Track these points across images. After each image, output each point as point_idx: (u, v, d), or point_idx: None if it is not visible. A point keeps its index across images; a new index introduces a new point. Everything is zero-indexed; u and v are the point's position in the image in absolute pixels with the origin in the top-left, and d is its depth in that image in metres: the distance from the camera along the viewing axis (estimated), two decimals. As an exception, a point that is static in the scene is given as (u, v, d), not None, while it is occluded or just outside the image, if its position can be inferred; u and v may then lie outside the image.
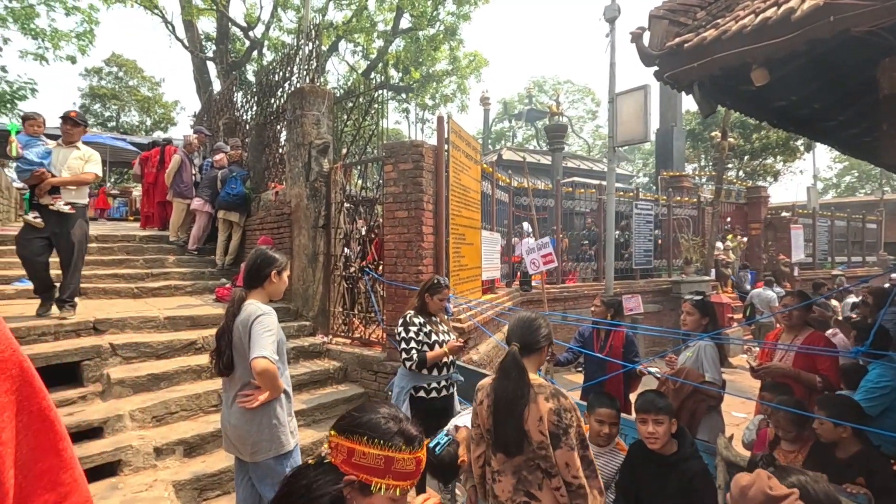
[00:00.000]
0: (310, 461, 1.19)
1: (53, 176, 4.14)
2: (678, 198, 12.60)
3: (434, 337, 3.31)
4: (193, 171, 7.79)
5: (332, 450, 1.15)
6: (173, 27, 16.26)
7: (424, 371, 3.27)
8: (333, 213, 5.62)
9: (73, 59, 14.78)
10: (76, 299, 4.42)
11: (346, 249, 5.67)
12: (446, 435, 2.52)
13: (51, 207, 4.10)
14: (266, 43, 17.67)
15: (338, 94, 6.65)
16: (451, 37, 17.35)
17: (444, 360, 3.36)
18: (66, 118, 4.31)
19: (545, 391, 1.86)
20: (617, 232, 10.22)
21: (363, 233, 5.81)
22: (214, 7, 15.48)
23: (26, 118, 4.41)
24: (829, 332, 4.81)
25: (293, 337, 5.29)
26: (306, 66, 6.31)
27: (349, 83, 18.91)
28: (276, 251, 2.55)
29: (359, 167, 6.07)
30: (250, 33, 17.42)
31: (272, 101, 7.37)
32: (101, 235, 6.94)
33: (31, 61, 14.28)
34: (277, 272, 2.45)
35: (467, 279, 5.40)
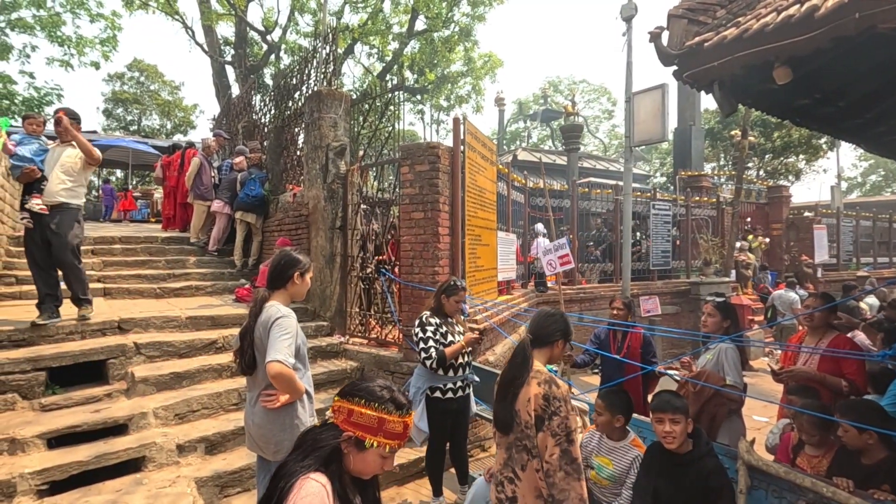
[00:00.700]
0: (316, 424, 1.43)
1: (43, 174, 3.97)
2: (697, 198, 12.40)
3: (450, 338, 3.33)
4: (212, 174, 7.93)
5: (335, 412, 1.37)
6: (193, 32, 16.60)
7: (441, 372, 3.29)
8: (350, 215, 5.67)
9: (96, 65, 15.16)
10: (89, 296, 4.32)
11: (363, 251, 5.72)
12: None
13: (26, 206, 3.93)
14: (283, 46, 17.91)
15: (354, 97, 6.70)
16: (465, 38, 17.36)
17: (461, 360, 3.37)
18: (56, 121, 4.14)
19: (540, 377, 1.95)
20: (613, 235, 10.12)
21: (379, 234, 5.85)
22: (233, 12, 15.75)
23: (26, 117, 4.31)
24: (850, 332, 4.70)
25: (311, 337, 5.35)
26: (323, 69, 6.38)
27: (365, 85, 19.06)
28: (299, 253, 2.55)
29: (375, 169, 6.11)
30: (268, 37, 17.66)
31: (290, 103, 7.46)
32: (125, 237, 7.11)
33: (57, 68, 14.61)
34: (300, 274, 2.46)
35: (483, 280, 5.40)
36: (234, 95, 11.97)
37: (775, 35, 2.50)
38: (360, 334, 5.51)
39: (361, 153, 6.16)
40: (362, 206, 5.78)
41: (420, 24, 17.01)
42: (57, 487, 2.96)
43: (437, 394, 3.33)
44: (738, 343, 3.31)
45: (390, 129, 5.87)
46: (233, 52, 17.02)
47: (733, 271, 11.40)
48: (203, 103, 58.12)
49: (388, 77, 18.23)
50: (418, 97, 19.55)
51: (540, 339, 2.08)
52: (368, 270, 5.62)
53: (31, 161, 3.93)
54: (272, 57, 18.06)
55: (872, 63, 3.14)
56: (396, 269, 5.12)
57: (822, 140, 22.06)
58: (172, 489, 3.04)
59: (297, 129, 7.22)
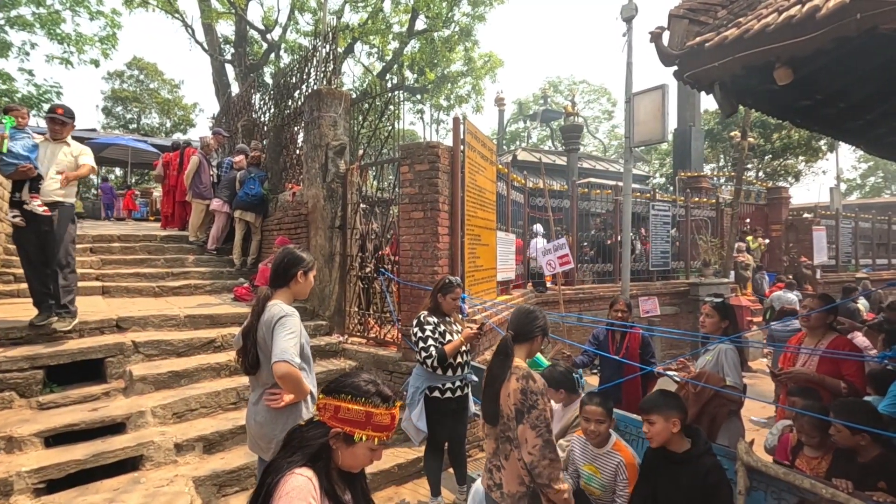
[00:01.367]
0: (301, 423, 1.43)
1: (38, 172, 3.83)
2: (696, 199, 12.40)
3: (448, 337, 3.32)
4: (211, 172, 7.92)
5: (320, 410, 1.38)
6: (193, 31, 16.59)
7: (440, 371, 3.28)
8: (350, 214, 5.66)
9: (96, 63, 15.16)
10: (75, 305, 4.12)
11: (362, 251, 5.71)
12: None
13: (25, 207, 3.80)
14: (283, 45, 17.90)
15: (354, 96, 6.69)
16: (466, 38, 17.36)
17: (459, 359, 3.36)
18: (52, 118, 3.96)
19: (518, 372, 2.05)
20: (612, 235, 10.10)
21: (378, 233, 5.85)
22: (233, 10, 15.73)
23: (8, 109, 4.05)
24: (852, 335, 4.70)
25: (310, 337, 5.33)
26: (323, 68, 6.37)
27: (365, 85, 19.05)
28: (303, 251, 2.52)
29: (375, 168, 6.10)
30: (268, 36, 17.65)
31: (290, 102, 7.45)
32: (124, 235, 7.10)
33: (57, 65, 14.60)
34: (304, 272, 2.43)
35: (482, 280, 5.39)
36: (234, 94, 11.96)
37: (776, 36, 2.49)
38: (358, 334, 5.50)
39: (361, 152, 6.15)
40: (362, 206, 5.77)
41: (420, 24, 17.01)
42: (54, 486, 2.95)
43: (436, 393, 3.32)
44: (736, 344, 3.31)
45: (390, 128, 5.86)
46: (233, 50, 17.01)
47: (732, 272, 11.40)
48: (203, 102, 58.13)
49: (388, 76, 18.23)
50: (418, 97, 19.54)
51: (521, 335, 2.19)
52: (368, 270, 5.61)
53: (25, 158, 3.77)
54: (272, 56, 18.04)
55: (873, 64, 3.14)
56: (396, 268, 5.11)
57: (822, 142, 22.09)
58: (170, 488, 3.03)
59: (296, 128, 7.21)
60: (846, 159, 39.01)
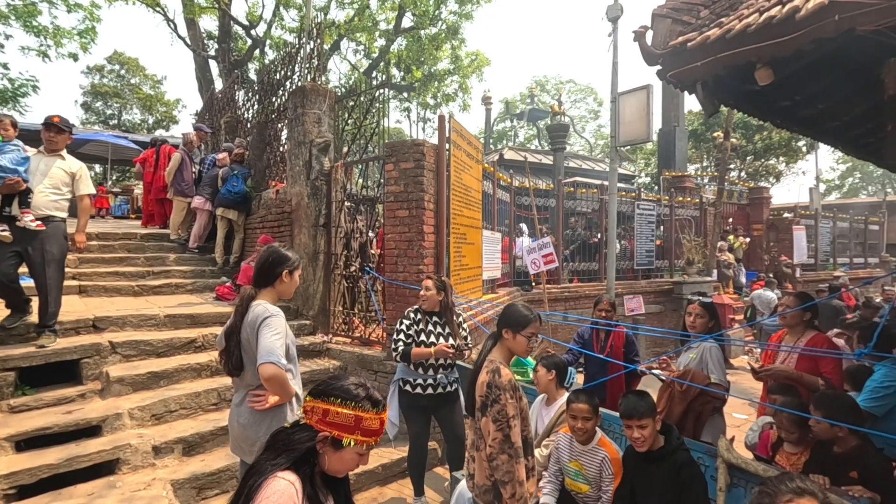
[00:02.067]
0: (286, 425, 1.39)
1: (28, 186, 3.67)
2: (680, 198, 12.55)
3: (423, 337, 3.38)
4: (194, 169, 7.78)
5: (307, 413, 1.35)
6: (175, 25, 16.26)
7: (411, 366, 3.38)
8: (334, 212, 5.60)
9: (75, 57, 14.75)
10: (56, 325, 3.97)
11: (346, 249, 5.66)
12: None
13: (17, 224, 3.63)
14: (268, 41, 17.66)
15: (339, 93, 6.62)
16: (453, 36, 17.31)
17: (431, 360, 3.36)
18: (49, 125, 3.83)
19: (490, 367, 2.08)
20: (599, 234, 10.16)
21: (363, 231, 5.79)
22: (216, 5, 15.47)
23: None
24: (831, 332, 4.79)
25: (294, 336, 5.27)
26: (308, 65, 6.29)
27: (351, 82, 18.88)
28: (288, 249, 2.47)
29: (360, 166, 6.05)
30: (252, 32, 17.40)
31: (274, 99, 7.35)
32: (102, 233, 6.93)
33: (34, 58, 14.23)
34: (290, 271, 2.38)
35: (468, 279, 5.38)
36: (217, 90, 11.74)
37: (757, 36, 2.52)
38: (343, 333, 5.46)
39: (346, 150, 6.09)
40: (346, 204, 5.71)
41: (407, 22, 16.92)
42: (26, 491, 2.86)
43: (408, 387, 3.42)
44: (720, 342, 3.34)
45: (375, 126, 5.81)
46: (216, 46, 16.72)
47: (715, 271, 11.57)
48: (186, 98, 57.17)
49: (374, 74, 18.11)
50: (405, 95, 19.45)
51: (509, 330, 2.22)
52: (353, 268, 5.56)
53: (13, 172, 3.59)
54: (256, 52, 17.78)
55: (851, 66, 3.19)
56: (381, 265, 5.07)
57: (802, 143, 22.56)
58: (147, 492, 2.97)
59: (280, 125, 7.11)
60: (825, 160, 39.78)
